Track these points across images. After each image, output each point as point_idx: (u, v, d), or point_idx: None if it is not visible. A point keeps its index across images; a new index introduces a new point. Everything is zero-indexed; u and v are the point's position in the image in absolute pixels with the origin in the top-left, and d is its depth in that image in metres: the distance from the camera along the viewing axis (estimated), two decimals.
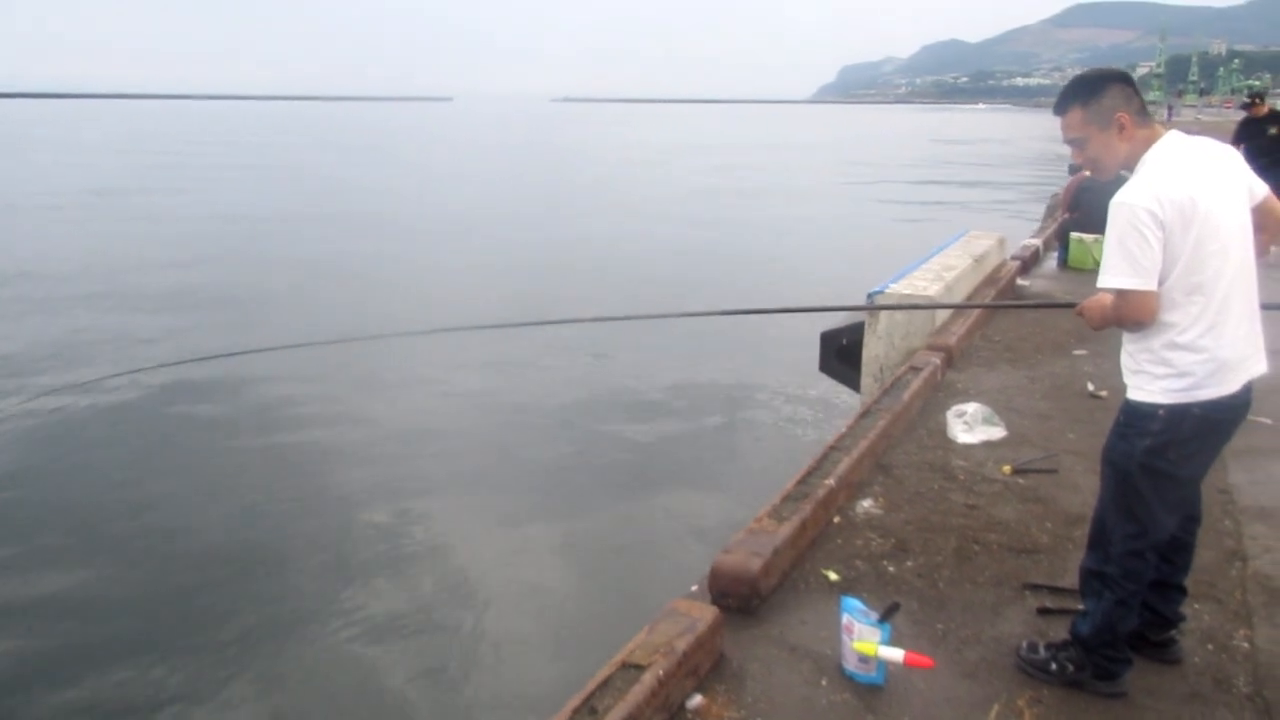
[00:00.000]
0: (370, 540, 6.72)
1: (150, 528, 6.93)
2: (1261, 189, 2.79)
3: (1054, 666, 2.97)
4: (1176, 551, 2.97)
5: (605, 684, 2.69)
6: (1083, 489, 4.41)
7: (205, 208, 26.16)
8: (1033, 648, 3.07)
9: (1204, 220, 2.56)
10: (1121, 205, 2.60)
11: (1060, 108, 2.82)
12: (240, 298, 14.81)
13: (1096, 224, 10.20)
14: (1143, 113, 2.74)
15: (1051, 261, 10.98)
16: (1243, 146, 11.52)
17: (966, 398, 5.71)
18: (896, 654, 2.86)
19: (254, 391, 10.00)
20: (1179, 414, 2.66)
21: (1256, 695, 2.90)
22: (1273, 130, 11.75)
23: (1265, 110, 12.10)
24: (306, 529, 6.93)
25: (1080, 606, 3.09)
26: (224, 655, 5.34)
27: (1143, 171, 2.68)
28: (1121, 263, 2.60)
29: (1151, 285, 2.59)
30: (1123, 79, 2.79)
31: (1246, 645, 3.16)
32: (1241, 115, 12.79)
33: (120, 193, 29.32)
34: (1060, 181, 21.85)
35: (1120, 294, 2.65)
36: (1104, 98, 2.74)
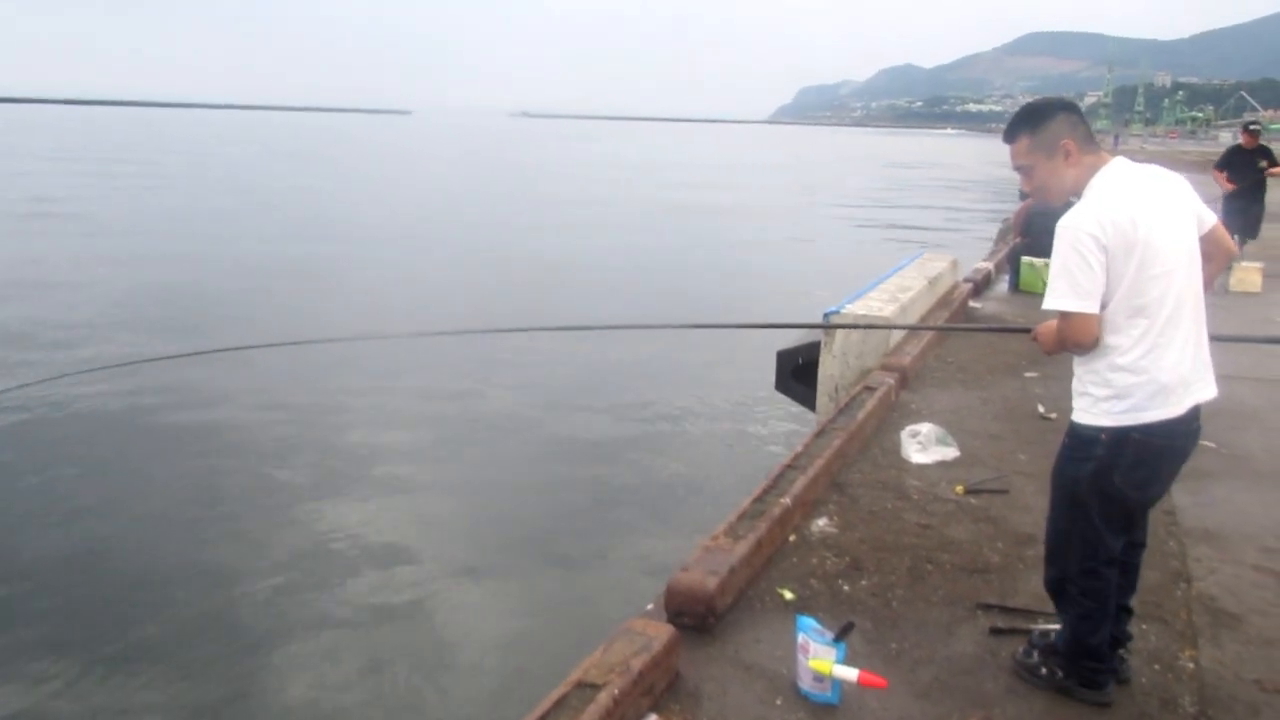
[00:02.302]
0: (316, 558, 6.57)
1: (84, 537, 6.73)
2: (1210, 218, 2.85)
3: (1043, 671, 3.05)
4: (1123, 573, 3.01)
5: (560, 703, 2.66)
6: (1033, 509, 4.47)
7: (154, 217, 25.71)
8: (1027, 653, 3.14)
9: (1146, 244, 2.62)
10: (1065, 229, 2.67)
11: (1009, 136, 2.89)
12: (184, 305, 14.53)
13: (1047, 248, 10.32)
14: (1089, 140, 2.81)
15: (1003, 285, 11.17)
16: (1226, 174, 12.11)
17: (920, 418, 5.78)
18: (851, 673, 2.87)
19: (198, 397, 9.81)
20: (1120, 437, 2.71)
21: (1202, 715, 2.95)
22: (1262, 164, 12.06)
23: (1256, 144, 12.37)
24: (250, 541, 6.77)
25: (1031, 626, 3.13)
26: (161, 672, 5.19)
27: (1088, 196, 2.75)
28: (1064, 285, 2.66)
29: (1092, 308, 2.65)
30: (1068, 107, 2.86)
31: (1192, 665, 3.21)
32: (1188, 144, 13.08)
33: (58, 201, 28.42)
34: (1011, 206, 22.25)
35: (1063, 316, 2.71)
36: (1050, 126, 2.80)
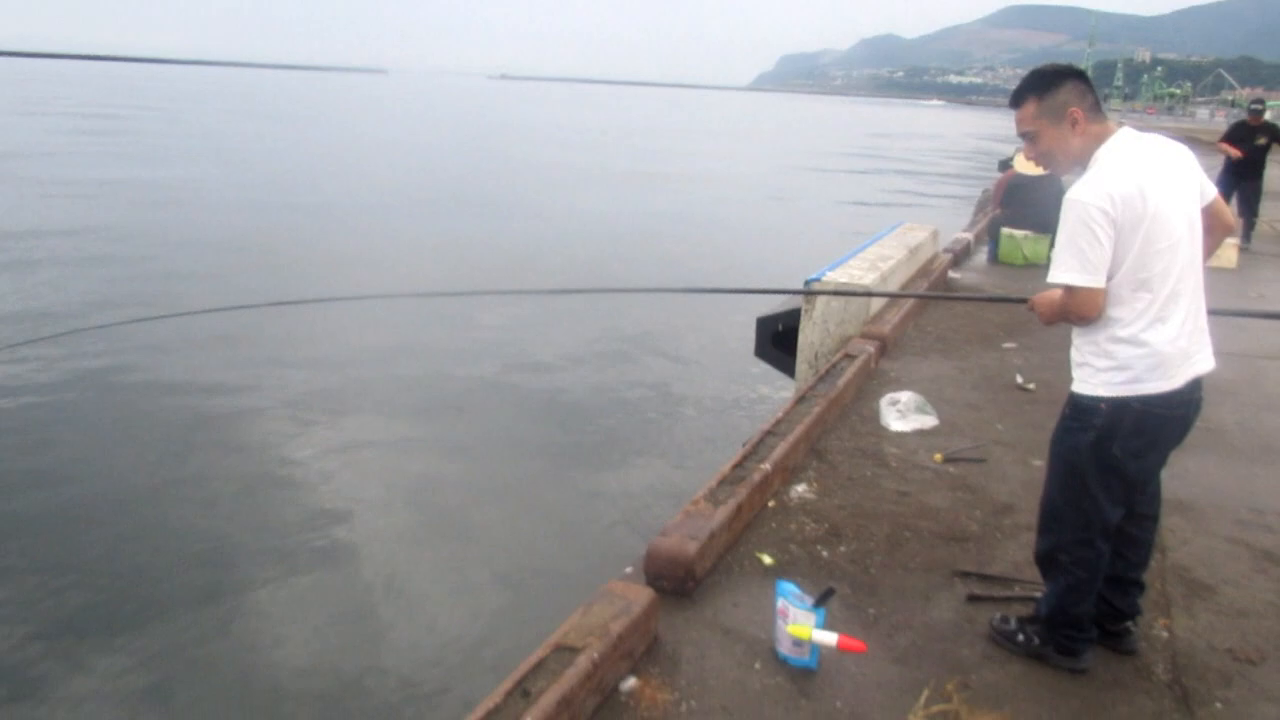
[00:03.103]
0: (292, 520, 6.51)
1: (50, 506, 6.60)
2: (1211, 190, 2.83)
3: (1020, 637, 3.07)
4: (1131, 547, 3.02)
5: (539, 666, 2.65)
6: (1011, 479, 4.50)
7: (126, 176, 25.25)
8: (1005, 619, 3.16)
9: (1153, 217, 2.59)
10: (1074, 202, 2.62)
11: (1015, 101, 2.84)
12: (155, 266, 14.31)
13: (1027, 219, 10.42)
14: (1096, 109, 2.76)
15: (982, 255, 11.18)
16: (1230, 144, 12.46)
17: (899, 386, 5.78)
18: (831, 638, 2.87)
19: (169, 360, 9.67)
20: (1119, 407, 2.71)
21: (1175, 683, 2.98)
22: (1261, 140, 12.37)
23: (1260, 121, 12.64)
24: (224, 505, 6.70)
25: (1007, 594, 3.13)
26: (131, 644, 5.11)
27: (1095, 168, 2.70)
28: (1071, 259, 2.63)
29: (1099, 282, 2.63)
30: (1077, 75, 2.81)
31: (1165, 634, 3.24)
32: (1165, 120, 13.27)
33: (22, 157, 27.81)
34: (991, 176, 22.27)
35: (1069, 290, 2.68)
36: (1058, 93, 2.76)
